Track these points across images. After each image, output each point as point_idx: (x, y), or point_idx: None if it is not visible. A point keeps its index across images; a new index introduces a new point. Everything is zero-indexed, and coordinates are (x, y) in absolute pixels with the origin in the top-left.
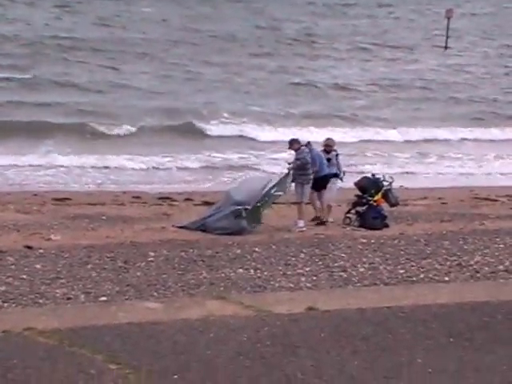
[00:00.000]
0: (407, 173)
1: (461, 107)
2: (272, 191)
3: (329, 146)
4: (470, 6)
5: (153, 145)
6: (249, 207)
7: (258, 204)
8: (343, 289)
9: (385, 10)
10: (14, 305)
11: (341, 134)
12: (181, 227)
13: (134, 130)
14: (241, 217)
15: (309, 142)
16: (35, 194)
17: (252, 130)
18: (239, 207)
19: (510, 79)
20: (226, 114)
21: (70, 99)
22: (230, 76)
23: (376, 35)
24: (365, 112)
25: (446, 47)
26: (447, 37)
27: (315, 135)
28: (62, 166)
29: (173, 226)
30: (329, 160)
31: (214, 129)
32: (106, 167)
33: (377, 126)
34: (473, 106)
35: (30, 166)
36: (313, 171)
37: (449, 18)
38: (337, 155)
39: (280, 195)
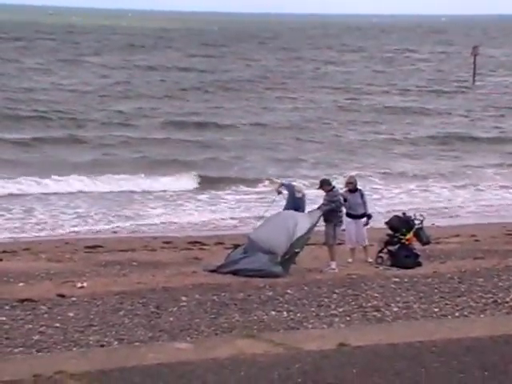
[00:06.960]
0: None
1: None
2: (306, 235)
3: (351, 184)
4: None
5: None
6: (284, 253)
7: (296, 250)
8: (374, 324)
9: None
10: (48, 354)
11: None
12: (211, 271)
13: None
14: (276, 261)
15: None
16: (67, 243)
17: None
18: (274, 252)
19: None
20: None
21: None
22: None
23: None
24: None
25: (474, 83)
26: (474, 73)
27: None
28: None
29: (204, 270)
30: (345, 200)
31: None
32: None
33: None
34: None
35: None
36: None
37: (475, 55)
38: (362, 194)
39: (310, 237)
